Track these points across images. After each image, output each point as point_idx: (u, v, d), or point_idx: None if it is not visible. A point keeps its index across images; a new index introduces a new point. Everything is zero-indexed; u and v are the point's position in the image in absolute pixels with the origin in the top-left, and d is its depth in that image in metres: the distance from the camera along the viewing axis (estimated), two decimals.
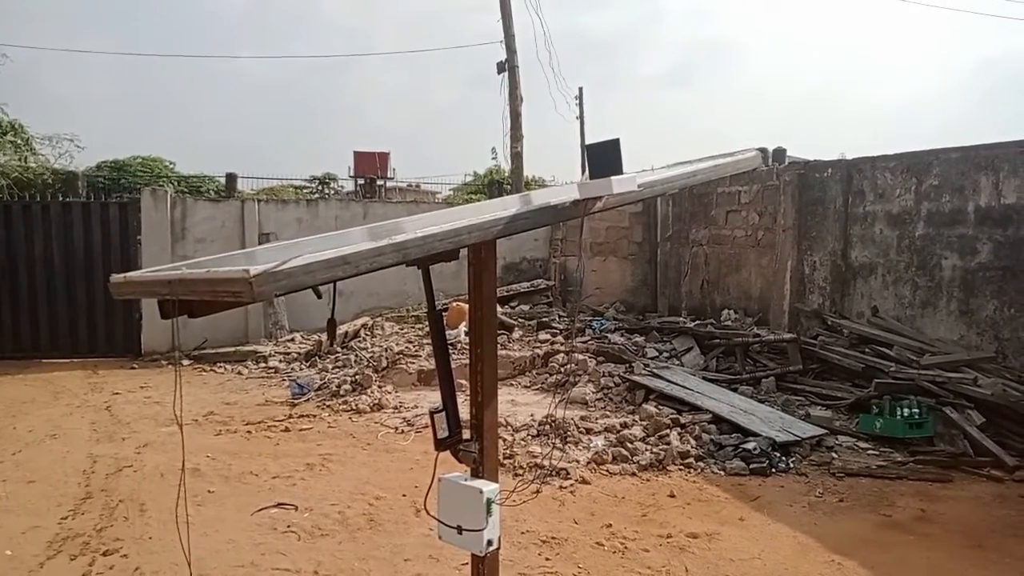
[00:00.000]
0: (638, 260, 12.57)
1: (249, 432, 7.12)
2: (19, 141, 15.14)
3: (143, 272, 2.34)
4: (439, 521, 2.52)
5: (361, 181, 17.98)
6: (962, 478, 5.67)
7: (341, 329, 10.91)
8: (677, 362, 8.82)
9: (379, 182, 18.19)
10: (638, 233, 12.57)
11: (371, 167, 17.77)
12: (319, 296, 2.23)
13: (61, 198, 11.80)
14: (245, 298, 1.66)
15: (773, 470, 5.78)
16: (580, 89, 24.93)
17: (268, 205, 12.83)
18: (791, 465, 5.88)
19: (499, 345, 6.67)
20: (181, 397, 4.18)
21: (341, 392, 8.37)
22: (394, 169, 19.40)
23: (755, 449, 5.99)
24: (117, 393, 8.93)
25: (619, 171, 2.38)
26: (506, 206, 2.61)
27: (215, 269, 1.91)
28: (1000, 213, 7.49)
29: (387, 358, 9.17)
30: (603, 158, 2.40)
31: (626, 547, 4.44)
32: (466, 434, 2.64)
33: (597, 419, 6.88)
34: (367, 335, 11.08)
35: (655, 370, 8.09)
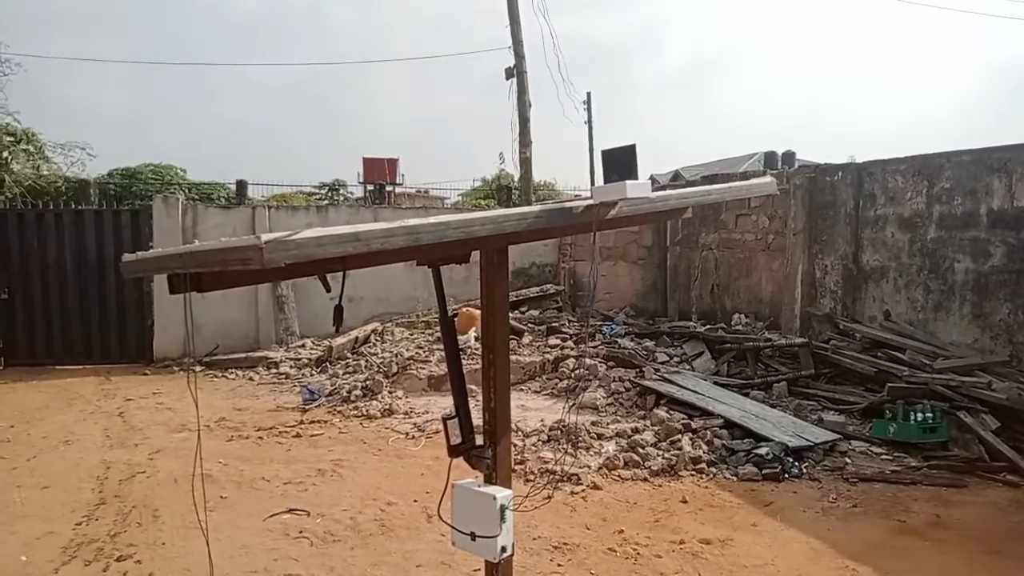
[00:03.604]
0: (648, 264, 12.54)
1: (261, 438, 7.14)
2: (32, 149, 15.28)
3: (155, 250, 2.36)
4: (452, 527, 2.52)
5: (370, 187, 18.00)
6: (977, 483, 5.62)
7: (351, 335, 10.94)
8: (688, 367, 8.79)
9: (388, 188, 18.21)
10: (648, 237, 12.55)
11: (380, 173, 17.75)
12: (328, 289, 2.24)
13: (74, 206, 11.90)
14: (255, 264, 1.67)
15: (786, 475, 5.74)
16: (588, 94, 24.89)
17: (278, 211, 12.91)
18: (804, 470, 5.84)
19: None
20: (196, 403, 4.18)
21: (352, 398, 8.39)
22: (403, 175, 19.42)
23: (768, 454, 5.96)
24: (130, 399, 8.99)
25: (634, 176, 2.38)
26: None
27: (226, 240, 1.93)
28: (1013, 216, 7.43)
29: (397, 364, 9.19)
30: (618, 163, 2.40)
31: (638, 553, 4.43)
32: (478, 440, 2.64)
33: (608, 424, 6.86)
34: (377, 341, 11.10)
35: (666, 375, 8.07)
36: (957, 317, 7.92)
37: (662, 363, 8.85)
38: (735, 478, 5.75)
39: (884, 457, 6.19)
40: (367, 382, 8.71)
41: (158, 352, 11.41)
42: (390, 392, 8.48)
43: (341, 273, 2.07)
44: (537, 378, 8.93)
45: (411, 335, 11.22)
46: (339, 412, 8.03)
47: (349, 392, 8.54)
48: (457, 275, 11.41)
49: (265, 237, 1.66)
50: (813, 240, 9.57)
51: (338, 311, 2.24)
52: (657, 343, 9.77)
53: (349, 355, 10.50)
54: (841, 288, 9.18)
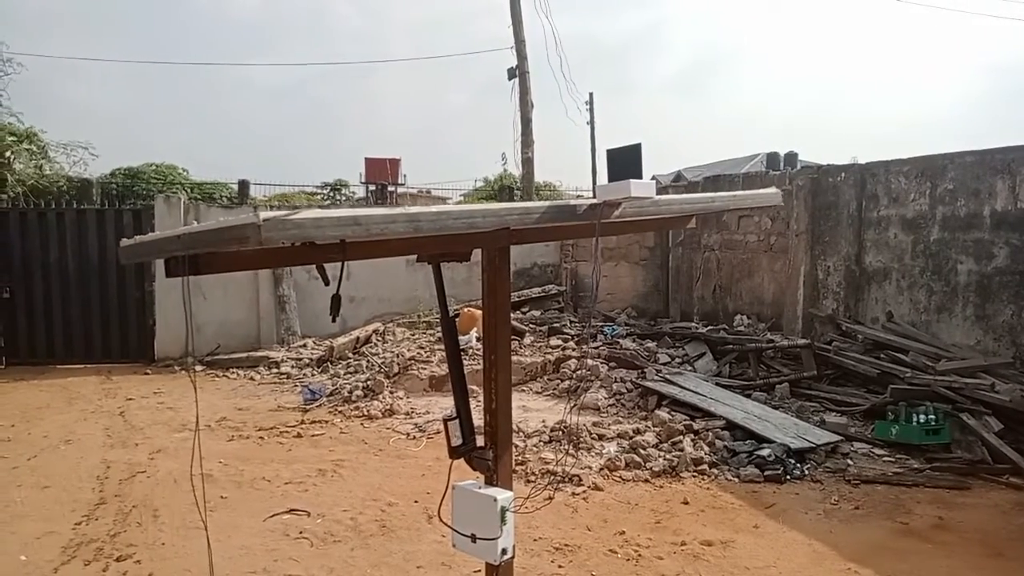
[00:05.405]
0: (650, 265, 12.52)
1: (261, 438, 7.13)
2: (34, 148, 15.24)
3: (153, 234, 2.34)
4: (453, 529, 2.51)
5: (372, 187, 17.98)
6: (980, 485, 5.60)
7: (353, 335, 10.93)
8: (690, 368, 8.77)
9: (390, 188, 18.18)
10: (650, 238, 12.52)
11: (382, 173, 17.71)
12: (327, 282, 2.22)
13: (76, 205, 11.90)
14: (252, 243, 1.66)
15: (788, 477, 5.73)
16: (590, 94, 24.80)
17: (280, 211, 12.89)
18: (806, 472, 5.82)
19: None
20: (197, 402, 4.20)
21: (353, 398, 8.38)
22: (405, 175, 19.37)
23: (769, 456, 5.94)
24: (131, 399, 8.99)
25: (639, 176, 2.37)
26: None
27: (224, 219, 1.92)
28: (1017, 217, 7.40)
29: (399, 364, 9.18)
30: (623, 162, 2.39)
31: (640, 555, 4.41)
32: (479, 441, 2.63)
33: (609, 425, 6.85)
34: (379, 341, 11.09)
35: (667, 376, 8.05)
36: (960, 319, 7.89)
37: (664, 364, 8.84)
38: (737, 480, 5.73)
39: (886, 459, 6.17)
40: (368, 382, 8.70)
41: (159, 352, 11.40)
42: (391, 392, 8.47)
43: (340, 262, 2.06)
44: (538, 379, 8.92)
45: (412, 335, 11.21)
46: (340, 412, 8.02)
47: (350, 392, 8.53)
48: (459, 275, 11.40)
49: (263, 215, 1.66)
50: (815, 241, 9.55)
51: (335, 300, 2.22)
52: (659, 344, 9.76)
53: (350, 355, 10.50)
54: (843, 289, 9.15)
